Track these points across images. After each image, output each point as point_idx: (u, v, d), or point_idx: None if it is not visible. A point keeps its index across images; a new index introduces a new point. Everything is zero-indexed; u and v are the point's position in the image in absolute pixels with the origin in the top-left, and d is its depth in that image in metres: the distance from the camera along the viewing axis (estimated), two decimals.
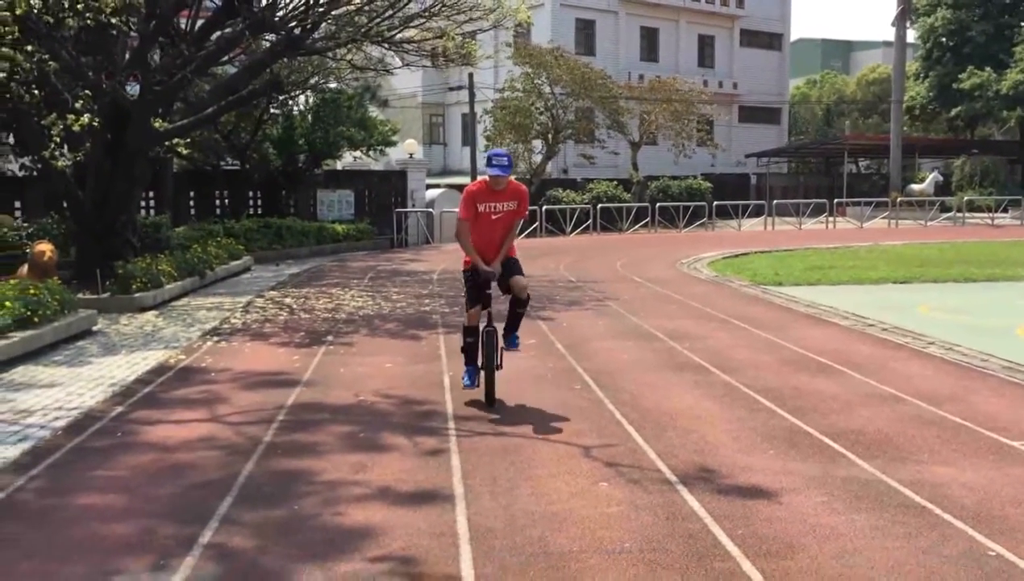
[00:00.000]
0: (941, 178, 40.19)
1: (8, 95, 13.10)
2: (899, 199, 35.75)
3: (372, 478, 5.39)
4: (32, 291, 9.88)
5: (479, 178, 7.07)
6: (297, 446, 6.07)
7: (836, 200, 36.26)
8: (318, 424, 6.65)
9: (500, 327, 7.23)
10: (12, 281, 10.53)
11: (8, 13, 10.94)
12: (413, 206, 28.36)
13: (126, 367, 8.82)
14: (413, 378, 8.23)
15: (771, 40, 53.67)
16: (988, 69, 39.93)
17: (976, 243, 25.28)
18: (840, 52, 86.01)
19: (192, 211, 24.40)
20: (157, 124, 14.35)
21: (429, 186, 30.41)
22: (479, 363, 7.13)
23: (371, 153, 26.99)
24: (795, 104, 63.88)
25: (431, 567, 4.11)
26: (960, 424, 6.49)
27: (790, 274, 16.99)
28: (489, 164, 6.84)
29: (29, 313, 9.62)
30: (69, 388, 7.91)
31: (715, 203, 34.76)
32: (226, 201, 25.41)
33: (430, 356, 9.33)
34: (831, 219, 34.73)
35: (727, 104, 49.08)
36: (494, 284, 7.14)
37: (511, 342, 7.30)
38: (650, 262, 20.81)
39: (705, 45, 50.85)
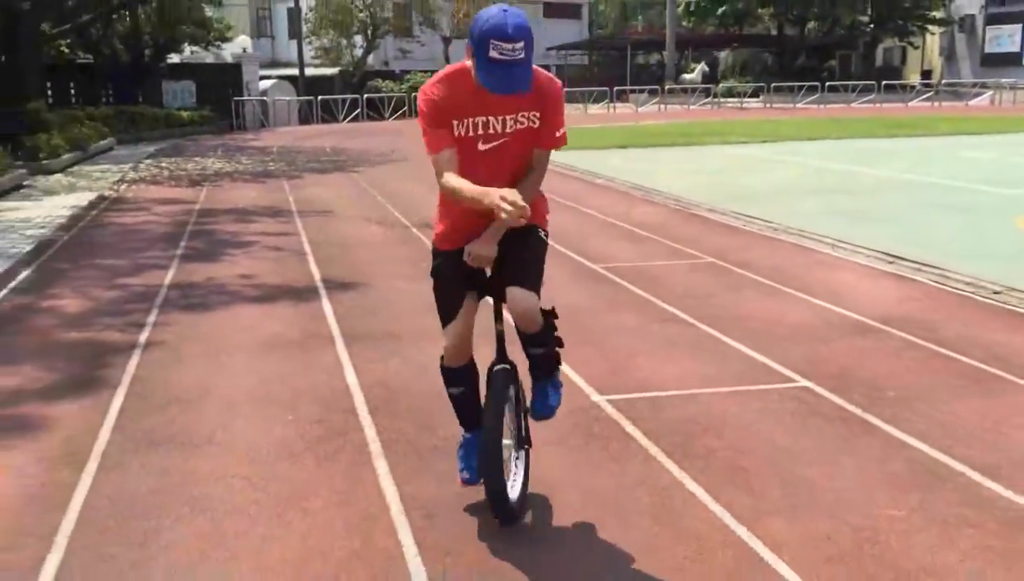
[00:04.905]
0: (707, 69, 47.11)
1: None
2: (668, 87, 42.27)
3: (252, 229, 10.55)
4: None
5: (453, 65, 3.15)
6: (209, 222, 11.13)
7: (617, 88, 42.31)
8: (216, 215, 11.69)
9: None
10: None
11: None
12: (249, 95, 32.38)
13: (74, 199, 13.41)
14: (269, 198, 13.32)
15: None
16: None
17: (708, 121, 31.77)
18: None
19: (50, 100, 27.64)
20: (44, 27, 18.24)
21: (262, 77, 34.36)
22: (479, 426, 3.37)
23: (209, 48, 30.71)
24: (600, 0, 69.66)
25: (292, 251, 9.34)
26: (613, 223, 12.18)
27: None
28: (482, 54, 2.86)
29: None
30: (44, 210, 12.48)
31: None
32: (79, 91, 28.73)
33: (277, 189, 14.39)
34: (612, 105, 40.87)
35: (533, 2, 54.10)
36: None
37: (542, 401, 3.51)
38: None
39: None
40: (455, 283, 3.31)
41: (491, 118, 3.09)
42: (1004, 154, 18.34)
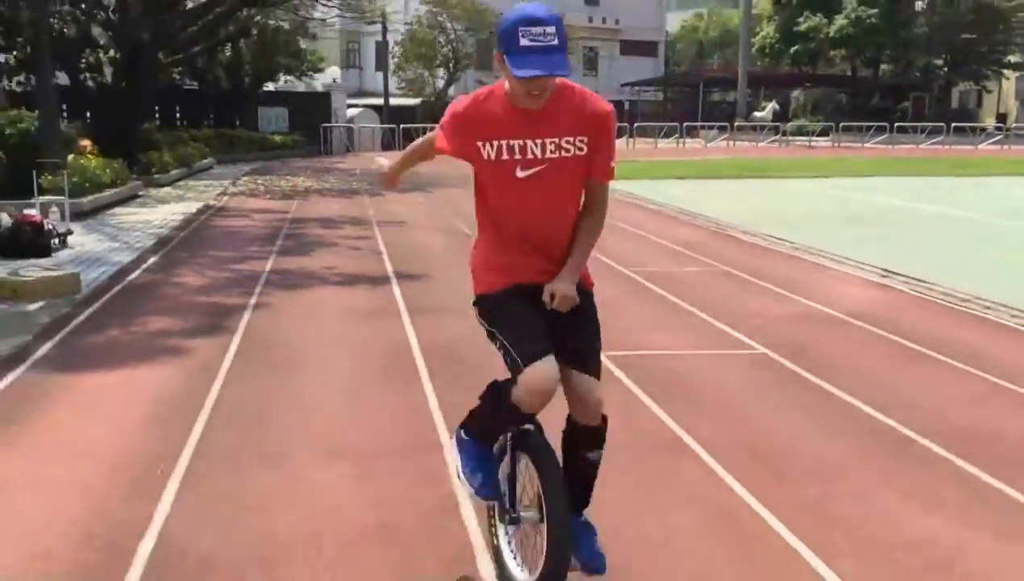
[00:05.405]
0: (778, 107, 48.07)
1: (57, 35, 19.13)
2: (737, 124, 43.36)
3: (337, 234, 12.21)
4: (115, 165, 16.22)
5: (485, 87, 2.92)
6: (300, 227, 12.85)
7: (687, 124, 43.58)
8: (306, 222, 13.42)
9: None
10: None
11: None
12: (336, 122, 34.66)
13: (184, 207, 15.33)
14: (352, 211, 15.04)
15: None
16: (820, 15, 47.60)
17: (773, 158, 32.78)
18: None
19: (157, 122, 30.19)
20: (160, 57, 20.43)
21: (349, 106, 36.66)
22: (499, 492, 3.02)
23: (303, 78, 33.08)
24: (678, 38, 71.12)
25: (369, 250, 10.93)
26: (654, 240, 13.57)
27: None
28: (513, 45, 2.62)
29: (116, 177, 15.98)
30: (160, 215, 14.37)
31: None
32: (183, 113, 31.30)
33: (360, 205, 16.13)
34: (681, 140, 42.11)
35: (610, 39, 55.89)
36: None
37: (592, 543, 2.95)
38: None
39: None
40: (530, 315, 2.79)
41: (528, 141, 2.76)
42: None
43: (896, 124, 42.77)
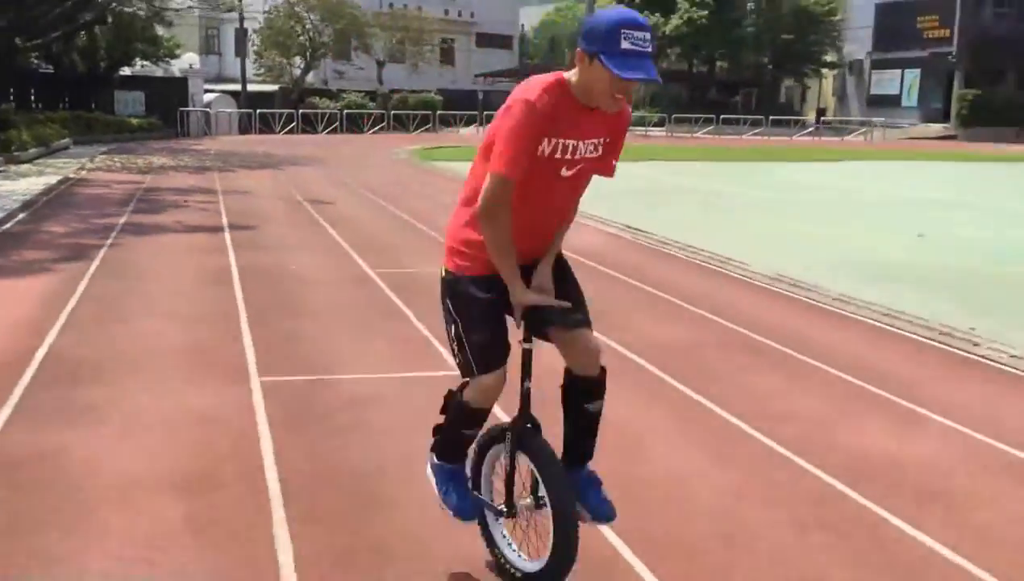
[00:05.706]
0: None
1: None
2: None
3: (186, 199, 14.17)
4: None
5: (551, 76, 2.78)
6: (154, 194, 14.73)
7: None
8: (160, 191, 15.30)
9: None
10: None
11: None
12: (194, 106, 35.89)
13: (45, 180, 16.86)
14: (202, 184, 16.96)
15: None
16: (658, 14, 51.35)
17: None
18: None
19: (13, 104, 30.82)
20: (16, 42, 21.63)
21: (207, 91, 37.87)
22: (493, 504, 3.12)
23: (159, 64, 34.19)
24: (538, 32, 74.43)
25: (212, 211, 12.99)
26: (449, 204, 15.98)
27: (446, 156, 26.45)
28: (614, 47, 2.60)
29: None
30: (23, 185, 15.91)
31: (440, 113, 44.28)
32: (39, 96, 32.01)
33: (210, 179, 18.03)
34: None
35: (465, 32, 58.33)
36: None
37: (601, 494, 3.05)
38: (374, 150, 29.81)
39: None
40: (497, 316, 2.85)
41: (580, 142, 2.77)
42: (820, 175, 22.58)
43: (722, 116, 46.86)
